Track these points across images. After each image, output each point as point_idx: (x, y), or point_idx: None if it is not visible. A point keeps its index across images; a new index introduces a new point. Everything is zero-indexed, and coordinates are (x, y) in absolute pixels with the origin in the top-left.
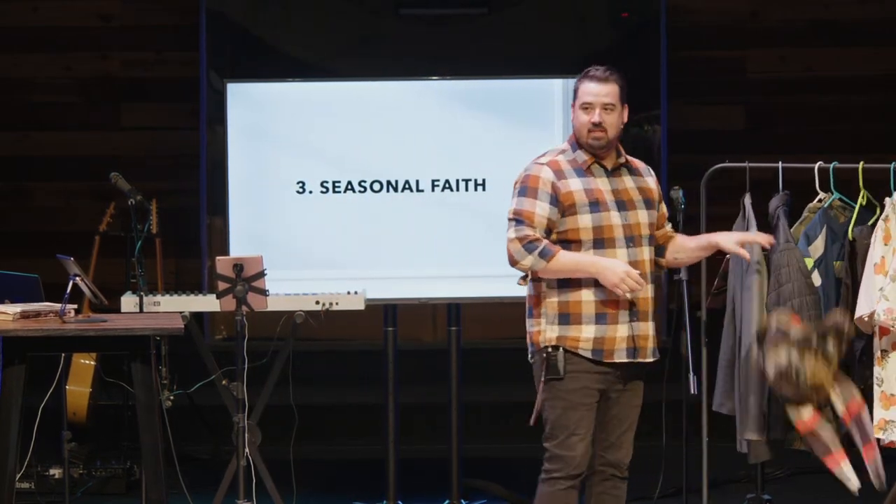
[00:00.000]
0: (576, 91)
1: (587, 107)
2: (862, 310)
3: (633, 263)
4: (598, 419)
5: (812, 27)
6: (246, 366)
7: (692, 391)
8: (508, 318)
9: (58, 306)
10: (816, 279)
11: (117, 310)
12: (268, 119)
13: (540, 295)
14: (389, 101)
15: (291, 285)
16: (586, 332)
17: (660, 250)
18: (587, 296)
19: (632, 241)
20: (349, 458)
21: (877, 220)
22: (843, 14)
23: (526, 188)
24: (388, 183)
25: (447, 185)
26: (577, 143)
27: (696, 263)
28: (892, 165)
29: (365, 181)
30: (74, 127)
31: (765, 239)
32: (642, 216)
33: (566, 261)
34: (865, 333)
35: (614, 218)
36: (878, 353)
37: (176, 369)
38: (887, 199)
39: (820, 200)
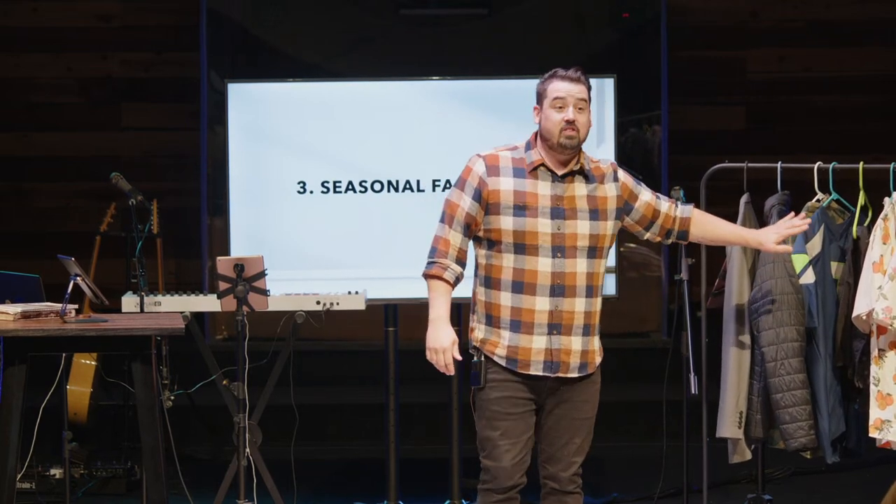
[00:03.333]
0: (543, 91)
1: (560, 105)
2: (860, 308)
3: (559, 275)
4: (539, 430)
5: (812, 27)
6: (247, 366)
7: (692, 391)
8: None
9: (58, 306)
10: (810, 277)
11: (118, 310)
12: (268, 119)
13: (475, 290)
14: (390, 101)
15: (292, 285)
16: (503, 339)
17: (682, 234)
18: (504, 299)
19: (561, 251)
20: (349, 458)
21: (871, 221)
22: (843, 14)
23: (459, 179)
24: (389, 183)
25: (448, 185)
26: (532, 144)
27: (696, 263)
28: (892, 165)
29: (366, 181)
30: (74, 127)
31: (802, 223)
32: (582, 227)
33: (430, 290)
34: (864, 333)
35: (542, 225)
36: (875, 353)
37: (177, 369)
38: (886, 199)
39: (818, 200)
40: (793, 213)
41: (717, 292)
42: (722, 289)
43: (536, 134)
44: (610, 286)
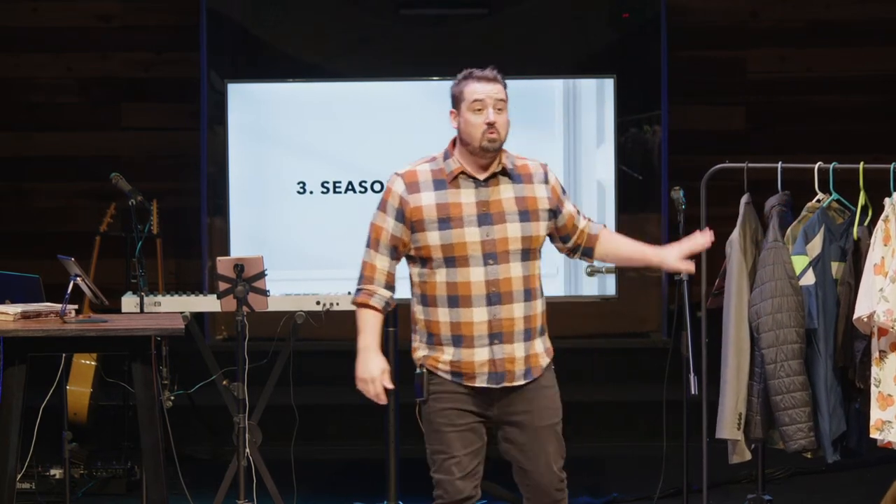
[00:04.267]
0: (459, 94)
1: (479, 107)
2: (861, 310)
3: (494, 282)
4: (505, 446)
5: (812, 27)
6: (246, 366)
7: (692, 391)
8: None
9: (58, 307)
10: (810, 278)
11: (118, 310)
12: (268, 119)
13: (414, 309)
14: (390, 101)
15: (292, 285)
16: (445, 354)
17: (587, 251)
18: (443, 315)
19: (493, 257)
20: (349, 458)
21: (872, 221)
22: (843, 14)
23: (381, 201)
24: None
25: None
26: (450, 152)
27: (696, 264)
28: (892, 165)
29: (365, 181)
30: (74, 127)
31: (705, 239)
32: (512, 230)
33: (359, 320)
34: (865, 334)
35: (470, 235)
36: (876, 354)
37: (176, 369)
38: (887, 200)
39: (818, 200)
40: (707, 232)
41: (716, 292)
42: (722, 289)
43: (454, 140)
44: (610, 286)
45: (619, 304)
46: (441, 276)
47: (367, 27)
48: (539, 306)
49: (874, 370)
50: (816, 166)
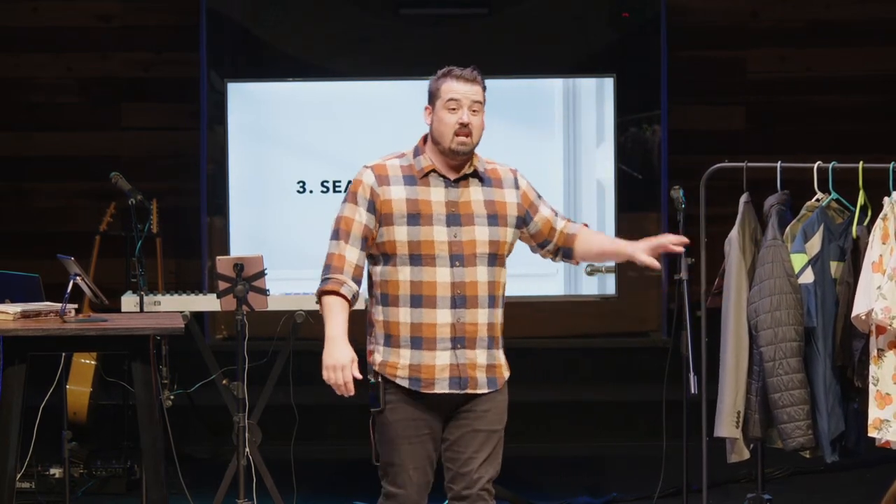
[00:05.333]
0: (436, 90)
1: (454, 106)
2: (859, 308)
3: (459, 284)
4: (443, 447)
5: (812, 27)
6: (246, 365)
7: (692, 391)
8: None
9: (58, 306)
10: (809, 276)
11: (118, 309)
12: (268, 119)
13: (371, 309)
14: (390, 100)
15: (292, 285)
16: (403, 358)
17: (567, 251)
18: (404, 316)
19: (459, 259)
20: (349, 458)
21: (871, 220)
22: (843, 14)
23: (349, 192)
24: None
25: None
26: (421, 149)
27: (696, 263)
28: (891, 165)
29: None
30: (74, 127)
31: (677, 241)
32: (480, 233)
33: (325, 308)
34: (863, 332)
35: (438, 234)
36: (874, 352)
37: (176, 369)
38: (886, 199)
39: (818, 200)
40: (681, 237)
41: (716, 292)
42: (721, 288)
43: (425, 137)
44: (610, 286)
45: (618, 303)
46: (405, 274)
47: (367, 27)
48: (500, 316)
49: (872, 369)
50: (816, 166)
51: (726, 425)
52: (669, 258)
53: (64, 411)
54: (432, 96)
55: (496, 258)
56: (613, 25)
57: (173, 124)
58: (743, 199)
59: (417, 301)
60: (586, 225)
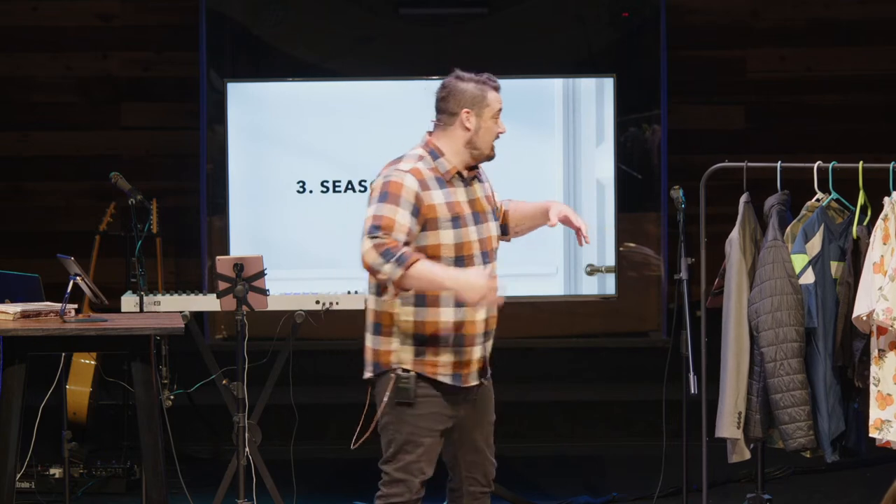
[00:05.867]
0: (481, 99)
1: (497, 116)
2: (861, 309)
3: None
4: (459, 441)
5: (812, 27)
6: (246, 365)
7: (692, 391)
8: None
9: (58, 306)
10: (810, 277)
11: (117, 309)
12: (268, 119)
13: (392, 311)
14: (389, 100)
15: (292, 285)
16: (444, 357)
17: (504, 228)
18: (446, 315)
19: (486, 256)
20: (349, 458)
21: (871, 220)
22: (843, 14)
23: (387, 194)
24: None
25: None
26: (438, 152)
27: (696, 263)
28: (891, 165)
29: (365, 181)
30: (74, 127)
31: (584, 231)
32: (493, 228)
33: (425, 271)
34: (864, 333)
35: (472, 233)
36: (875, 353)
37: (176, 369)
38: (886, 199)
39: (818, 200)
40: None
41: (716, 292)
42: (721, 288)
43: (435, 137)
44: (610, 286)
45: (618, 303)
46: None
47: (367, 27)
48: None
49: (873, 369)
50: (816, 166)
51: (727, 426)
52: (670, 258)
53: (64, 411)
54: (475, 102)
55: (497, 251)
56: (613, 25)
57: (173, 124)
58: (743, 199)
59: (461, 301)
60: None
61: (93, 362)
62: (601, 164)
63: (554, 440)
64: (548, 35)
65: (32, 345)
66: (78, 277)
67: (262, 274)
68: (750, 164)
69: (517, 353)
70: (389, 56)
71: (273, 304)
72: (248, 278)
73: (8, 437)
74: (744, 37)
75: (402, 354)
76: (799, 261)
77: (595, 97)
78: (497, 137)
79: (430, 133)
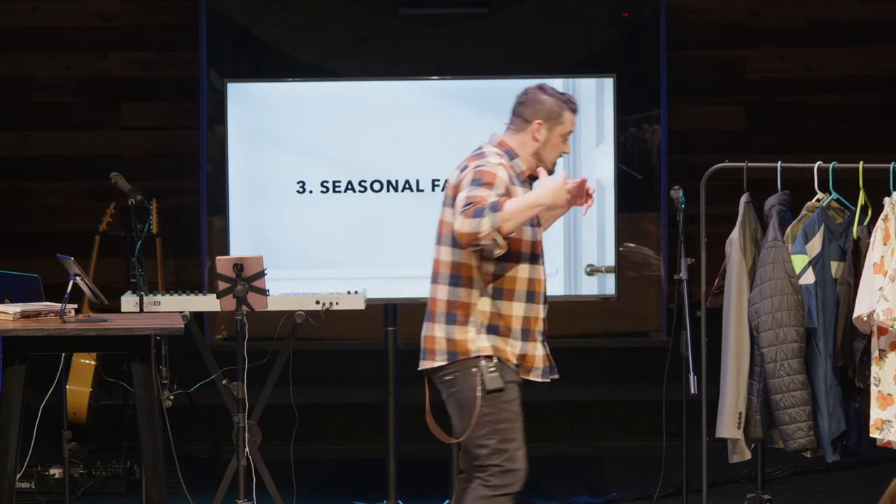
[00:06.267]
0: (557, 116)
1: (567, 137)
2: (861, 309)
3: (546, 280)
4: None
5: (812, 27)
6: (246, 365)
7: (692, 391)
8: None
9: (58, 306)
10: (810, 277)
11: (117, 309)
12: (268, 119)
13: (469, 304)
14: (389, 100)
15: (291, 285)
16: (512, 347)
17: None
18: (517, 310)
19: (542, 256)
20: (349, 458)
21: (871, 220)
22: (843, 14)
23: (481, 181)
24: (389, 183)
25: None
26: (513, 153)
27: (696, 263)
28: (891, 165)
29: (365, 181)
30: (74, 127)
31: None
32: (542, 232)
33: (517, 204)
34: (865, 333)
35: (538, 233)
36: (875, 353)
37: (176, 369)
38: (886, 199)
39: (818, 200)
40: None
41: (716, 292)
42: (721, 288)
43: (513, 143)
44: (610, 286)
45: (618, 303)
46: (524, 271)
47: (367, 27)
48: None
49: (874, 369)
50: (816, 166)
51: (728, 426)
52: (670, 259)
53: (64, 411)
54: (551, 117)
55: None
56: (613, 25)
57: (173, 124)
58: (743, 199)
59: (531, 297)
60: None
61: (93, 362)
62: (601, 164)
63: (554, 440)
64: (548, 35)
65: (32, 345)
66: (78, 277)
67: (262, 274)
68: (750, 164)
69: None
70: (389, 56)
71: (273, 304)
72: (248, 278)
73: (8, 437)
74: (744, 37)
75: (479, 343)
76: (799, 261)
77: (595, 97)
78: (560, 156)
79: (496, 133)
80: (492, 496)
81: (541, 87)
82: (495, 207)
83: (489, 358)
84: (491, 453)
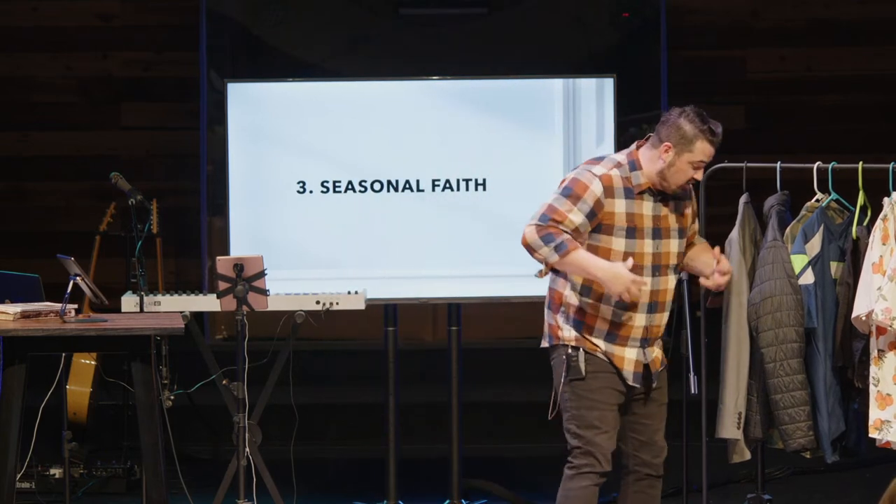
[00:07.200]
0: (689, 141)
1: (697, 166)
2: (860, 309)
3: (655, 293)
4: (628, 420)
5: (812, 27)
6: (246, 365)
7: (692, 391)
8: (509, 317)
9: (58, 306)
10: (809, 277)
11: (118, 309)
12: (268, 119)
13: (562, 294)
14: (389, 100)
15: (292, 285)
16: (598, 343)
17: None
18: (604, 312)
19: (658, 270)
20: (349, 458)
21: (871, 220)
22: (843, 14)
23: (570, 192)
24: (389, 183)
25: (447, 185)
26: (637, 165)
27: None
28: (891, 165)
29: (365, 181)
30: (74, 127)
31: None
32: (674, 245)
33: (579, 260)
34: (864, 333)
35: (647, 246)
36: (874, 353)
37: (176, 369)
38: (885, 199)
39: (817, 200)
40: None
41: (716, 292)
42: (721, 288)
43: (639, 150)
44: None
45: None
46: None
47: (367, 27)
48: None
49: (873, 369)
50: (815, 166)
51: (728, 426)
52: None
53: (64, 411)
54: (682, 141)
55: (677, 267)
56: (613, 25)
57: (173, 124)
58: (743, 199)
59: (621, 304)
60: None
61: (93, 362)
62: None
63: (554, 440)
64: (548, 35)
65: (32, 345)
66: (78, 277)
67: (262, 274)
68: (750, 164)
69: (521, 354)
70: (389, 56)
71: (273, 304)
72: (248, 278)
73: (8, 437)
74: (744, 37)
75: (565, 333)
76: (798, 261)
77: (595, 97)
78: (688, 182)
79: (638, 143)
80: (572, 475)
81: (683, 111)
82: (561, 249)
83: (575, 348)
84: (574, 435)
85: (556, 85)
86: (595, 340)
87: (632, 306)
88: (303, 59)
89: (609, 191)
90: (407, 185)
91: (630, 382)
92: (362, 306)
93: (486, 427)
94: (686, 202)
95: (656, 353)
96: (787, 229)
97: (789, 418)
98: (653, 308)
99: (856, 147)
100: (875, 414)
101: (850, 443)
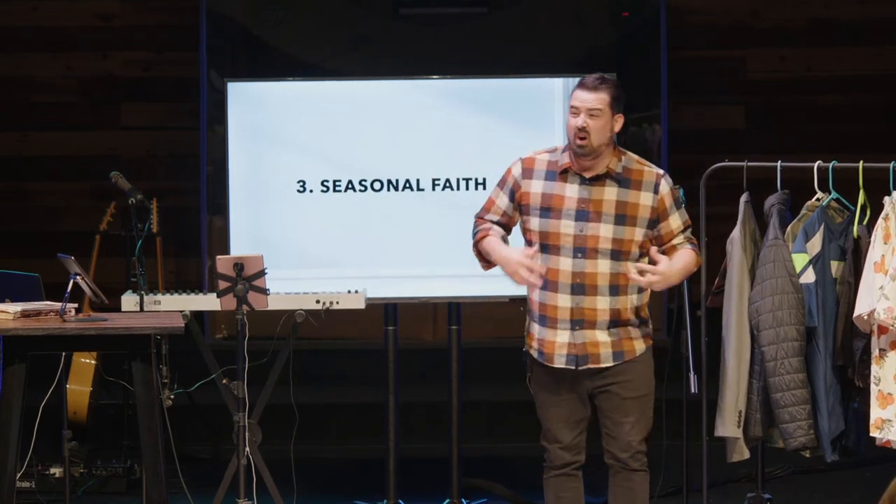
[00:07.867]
0: (571, 98)
1: (575, 112)
2: (862, 308)
3: (580, 274)
4: (599, 415)
5: (812, 27)
6: (246, 365)
7: (692, 390)
8: (509, 317)
9: (58, 305)
10: (810, 276)
11: (118, 309)
12: (268, 119)
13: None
14: (390, 100)
15: (292, 284)
16: (534, 332)
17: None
18: (536, 295)
19: (582, 252)
20: (349, 458)
21: (871, 220)
22: (843, 14)
23: (500, 178)
24: (389, 182)
25: (447, 185)
26: (566, 147)
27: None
28: (891, 165)
29: (365, 180)
30: (74, 127)
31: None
32: (605, 230)
33: (486, 246)
34: (865, 332)
35: (564, 227)
36: (875, 352)
37: (176, 368)
38: (886, 198)
39: (818, 199)
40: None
41: (717, 291)
42: (722, 288)
43: None
44: None
45: None
46: (541, 260)
47: (367, 26)
48: (630, 301)
49: (874, 369)
50: (816, 165)
51: (728, 425)
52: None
53: (64, 411)
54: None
55: (620, 254)
56: (613, 25)
57: (173, 123)
58: (743, 198)
59: (544, 286)
60: (694, 250)
61: (93, 362)
62: None
63: None
64: (548, 35)
65: (32, 344)
66: (78, 277)
67: (262, 273)
68: (750, 163)
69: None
70: (389, 56)
71: (273, 304)
72: (248, 278)
73: (8, 437)
74: (744, 37)
75: (527, 329)
76: (799, 260)
77: None
78: (576, 133)
79: None
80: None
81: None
82: (474, 237)
83: (525, 347)
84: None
85: (556, 84)
86: (532, 328)
87: (552, 286)
88: (303, 58)
89: (528, 172)
90: (407, 185)
91: (556, 364)
92: (362, 305)
93: (487, 426)
94: (638, 193)
95: (596, 338)
96: (788, 228)
97: (790, 417)
98: (578, 290)
99: (856, 147)
100: (876, 413)
101: (849, 442)
